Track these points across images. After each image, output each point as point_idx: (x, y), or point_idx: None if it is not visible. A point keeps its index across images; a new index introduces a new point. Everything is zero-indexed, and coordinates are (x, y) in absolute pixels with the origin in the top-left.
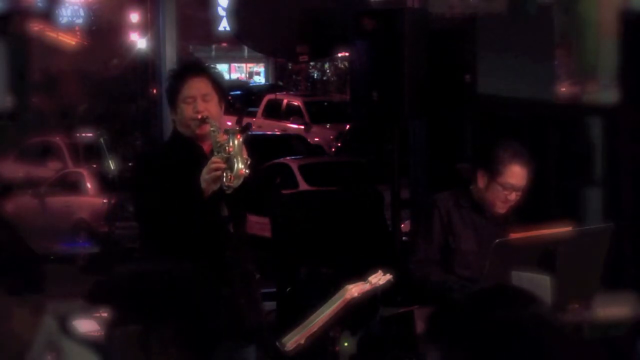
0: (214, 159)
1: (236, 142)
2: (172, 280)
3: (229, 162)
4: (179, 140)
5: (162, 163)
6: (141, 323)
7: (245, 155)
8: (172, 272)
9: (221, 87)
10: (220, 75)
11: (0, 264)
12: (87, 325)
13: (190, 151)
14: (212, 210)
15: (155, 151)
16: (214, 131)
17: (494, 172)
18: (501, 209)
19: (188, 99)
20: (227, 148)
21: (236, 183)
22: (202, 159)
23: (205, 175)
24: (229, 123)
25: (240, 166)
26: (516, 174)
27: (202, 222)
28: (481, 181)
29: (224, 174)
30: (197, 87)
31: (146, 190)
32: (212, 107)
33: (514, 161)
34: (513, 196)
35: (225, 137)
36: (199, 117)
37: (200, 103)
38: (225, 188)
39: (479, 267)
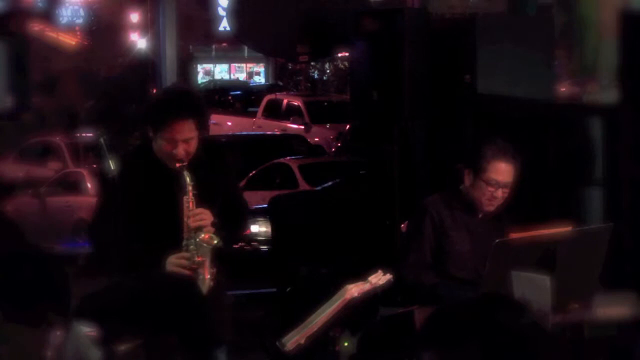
0: (182, 260)
1: (207, 257)
2: (175, 291)
3: (195, 271)
4: (152, 158)
5: (130, 181)
6: (144, 334)
7: (212, 267)
8: (173, 282)
9: (204, 119)
10: (203, 106)
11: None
12: (87, 325)
13: (162, 173)
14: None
15: (126, 161)
16: (188, 202)
17: (478, 169)
18: (489, 206)
19: (169, 139)
20: (194, 256)
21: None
22: (172, 180)
23: (171, 267)
24: (229, 123)
25: (205, 277)
26: (500, 170)
27: (156, 236)
28: (467, 179)
29: None
30: (181, 131)
31: (108, 212)
32: (191, 146)
33: (497, 157)
34: (499, 193)
35: (198, 218)
36: (177, 165)
37: (180, 146)
38: None
39: (474, 267)
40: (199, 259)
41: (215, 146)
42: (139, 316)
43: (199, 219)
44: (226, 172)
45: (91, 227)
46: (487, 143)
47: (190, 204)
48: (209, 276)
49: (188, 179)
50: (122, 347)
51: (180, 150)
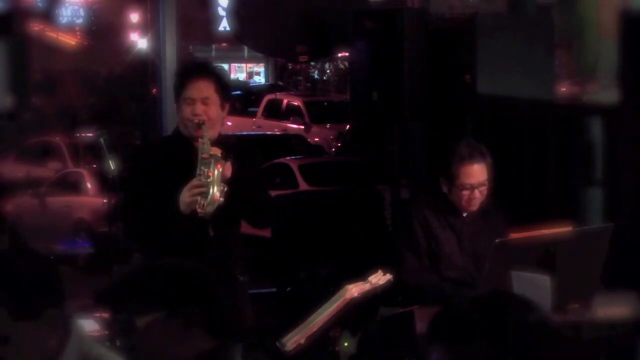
0: (194, 182)
1: (216, 171)
2: (192, 269)
3: (205, 186)
4: (177, 137)
5: (155, 160)
6: (165, 308)
7: (222, 183)
8: (190, 263)
9: (225, 90)
10: (225, 78)
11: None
12: (87, 325)
13: (185, 150)
14: (190, 215)
15: (151, 147)
16: (203, 144)
17: (450, 176)
18: (471, 207)
19: (188, 99)
20: (206, 172)
21: (209, 209)
22: (196, 159)
23: (185, 198)
24: (229, 123)
25: (215, 192)
26: (471, 174)
27: (180, 226)
28: (445, 188)
29: (198, 199)
30: (199, 89)
31: (133, 189)
32: (211, 110)
33: (464, 162)
34: (477, 194)
35: (211, 151)
36: (195, 121)
37: (199, 106)
38: (199, 212)
39: (463, 267)
40: (210, 174)
41: (245, 142)
42: (155, 293)
43: (213, 151)
44: (251, 161)
45: (122, 208)
46: (452, 149)
47: (205, 146)
48: (218, 193)
49: (205, 132)
50: (141, 322)
51: (199, 110)
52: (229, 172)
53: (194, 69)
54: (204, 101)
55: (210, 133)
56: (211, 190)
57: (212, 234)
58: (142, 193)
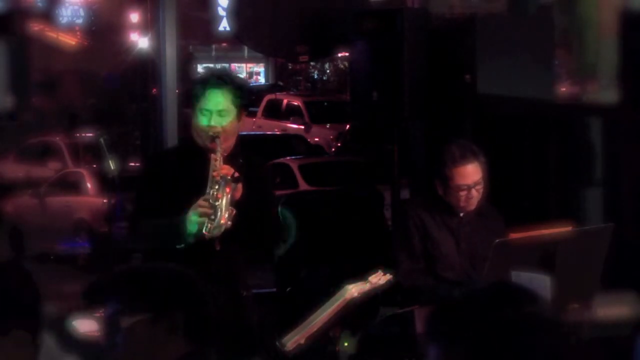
0: (200, 202)
1: (225, 196)
2: (178, 274)
3: (213, 209)
4: (191, 146)
5: (167, 170)
6: (149, 311)
7: (231, 207)
8: (176, 268)
9: (242, 101)
10: (244, 88)
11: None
12: (86, 325)
13: (199, 161)
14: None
15: (164, 155)
16: (215, 161)
17: (444, 178)
18: (469, 207)
19: (204, 110)
20: (215, 194)
21: (216, 232)
22: (207, 169)
23: (191, 218)
24: None
25: (223, 215)
26: (465, 174)
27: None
28: (440, 189)
29: (205, 221)
30: (215, 101)
31: (144, 199)
32: (227, 123)
33: (458, 163)
34: (474, 193)
35: (223, 171)
36: (210, 133)
37: (214, 118)
38: (205, 235)
39: (461, 268)
40: (219, 196)
41: (258, 160)
42: (140, 296)
43: (224, 172)
44: (261, 180)
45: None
46: (445, 151)
47: (217, 163)
48: (226, 216)
49: (218, 146)
50: (125, 324)
51: (214, 122)
52: (238, 194)
53: (212, 80)
54: (220, 113)
55: (224, 145)
56: (219, 214)
57: (219, 248)
58: (153, 203)
